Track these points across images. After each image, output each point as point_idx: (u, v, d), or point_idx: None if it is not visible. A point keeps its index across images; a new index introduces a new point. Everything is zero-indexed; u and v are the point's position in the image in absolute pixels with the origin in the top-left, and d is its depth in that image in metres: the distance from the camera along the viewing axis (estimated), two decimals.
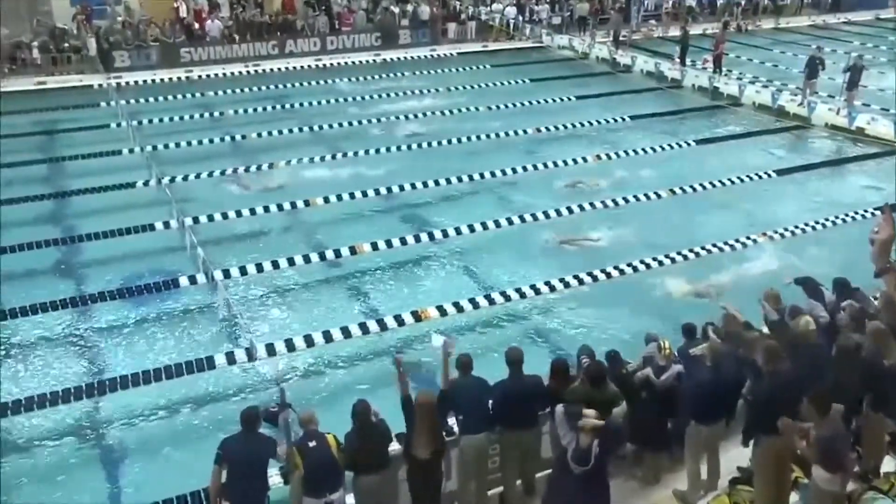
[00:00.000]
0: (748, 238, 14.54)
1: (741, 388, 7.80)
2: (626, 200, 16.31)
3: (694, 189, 17.04)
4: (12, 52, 25.74)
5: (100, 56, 26.37)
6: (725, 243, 14.32)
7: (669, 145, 20.01)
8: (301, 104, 23.16)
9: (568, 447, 6.38)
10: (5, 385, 10.69)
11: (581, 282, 13.02)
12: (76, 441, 9.83)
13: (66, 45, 26.62)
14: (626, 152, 19.42)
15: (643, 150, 19.59)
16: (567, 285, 12.92)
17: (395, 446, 7.29)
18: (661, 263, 13.62)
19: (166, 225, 14.87)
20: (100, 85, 24.80)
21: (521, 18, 32.97)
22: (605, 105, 23.61)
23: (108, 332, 12.06)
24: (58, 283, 13.42)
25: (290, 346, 11.18)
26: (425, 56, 29.97)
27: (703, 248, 14.10)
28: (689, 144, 20.22)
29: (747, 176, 17.84)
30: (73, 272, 13.91)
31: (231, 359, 10.91)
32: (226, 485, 6.82)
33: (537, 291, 12.75)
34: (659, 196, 16.56)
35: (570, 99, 24.06)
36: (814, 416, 6.43)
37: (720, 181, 17.43)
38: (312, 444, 6.89)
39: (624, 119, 22.25)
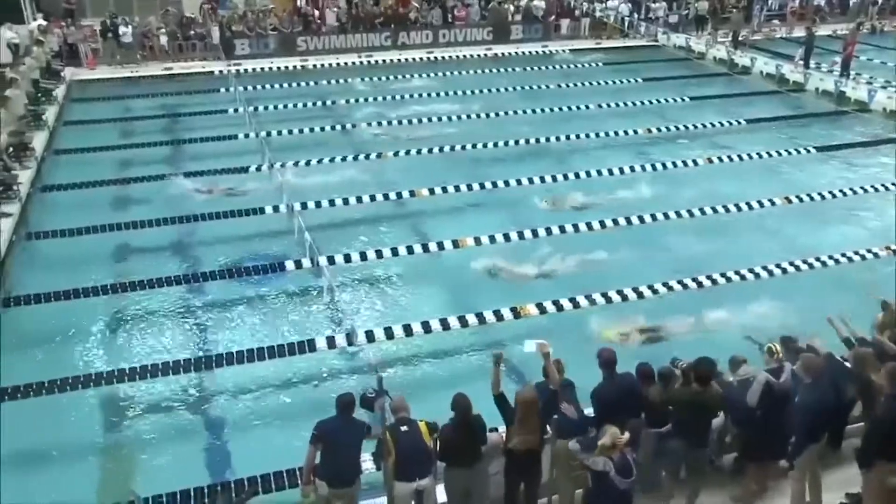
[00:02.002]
0: (868, 251, 13.80)
1: (844, 404, 7.43)
2: (739, 208, 15.71)
3: (812, 198, 16.25)
4: (142, 39, 27.14)
5: (222, 44, 27.42)
6: (843, 255, 13.65)
7: (787, 151, 19.17)
8: (410, 95, 23.40)
9: (606, 468, 6.34)
10: (121, 353, 11.34)
11: (685, 287, 12.69)
12: (181, 411, 10.30)
13: (192, 32, 27.86)
14: (739, 157, 18.68)
15: (758, 154, 18.84)
16: (670, 289, 12.61)
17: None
18: (771, 274, 13.12)
19: (276, 209, 15.32)
20: (220, 71, 25.77)
21: (636, 16, 32.30)
22: (719, 107, 22.86)
23: (216, 310, 12.55)
24: (173, 260, 14.09)
25: (388, 333, 11.35)
26: (537, 52, 29.72)
27: (817, 260, 13.51)
28: (808, 151, 19.28)
29: (872, 186, 16.91)
30: (187, 250, 14.55)
31: (331, 343, 11.16)
32: (319, 463, 7.07)
33: (640, 295, 12.47)
34: (773, 203, 15.92)
35: (683, 100, 23.40)
36: None
37: (841, 191, 16.59)
38: (404, 428, 7.03)
39: (739, 122, 21.45)
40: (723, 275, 12.98)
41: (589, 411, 7.62)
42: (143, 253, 14.29)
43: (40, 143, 18.59)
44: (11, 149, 16.84)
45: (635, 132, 20.46)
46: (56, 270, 13.38)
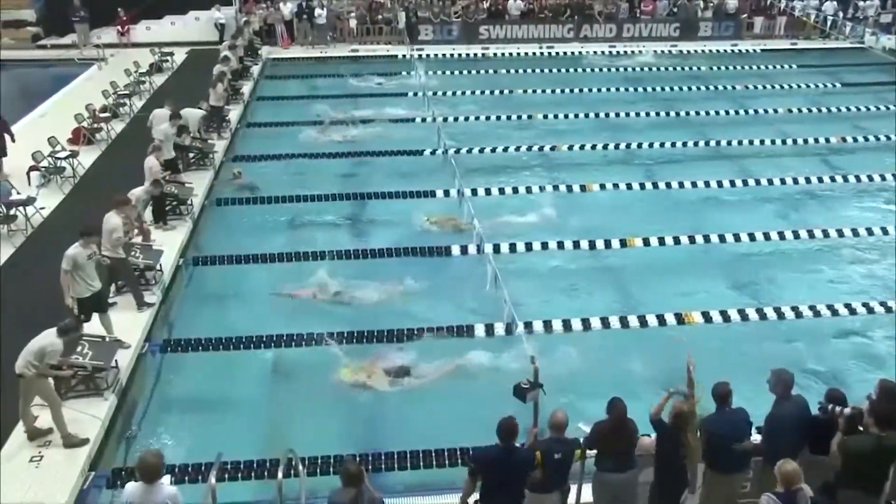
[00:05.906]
0: None
1: None
2: None
3: None
4: (334, 22, 28.43)
5: (407, 29, 28.23)
6: None
7: None
8: (590, 90, 23.03)
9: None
10: (277, 320, 11.75)
11: (853, 311, 11.76)
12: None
13: (380, 17, 28.87)
14: None
15: None
16: (854, 309, 11.75)
17: None
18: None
19: (446, 193, 15.54)
20: (403, 55, 26.46)
21: (840, 15, 30.01)
22: None
23: (379, 288, 12.54)
24: (343, 235, 14.63)
25: (547, 327, 11.27)
26: (725, 50, 28.41)
27: None
28: None
29: None
30: (356, 227, 15.06)
31: (490, 331, 11.20)
32: (482, 497, 6.79)
33: (833, 312, 11.73)
34: None
35: (887, 108, 21.56)
36: None
37: None
38: (558, 457, 6.79)
39: None
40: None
41: None
42: (316, 226, 14.92)
43: (236, 115, 19.95)
44: (213, 120, 18.16)
45: (826, 140, 19.13)
46: (237, 235, 14.30)
